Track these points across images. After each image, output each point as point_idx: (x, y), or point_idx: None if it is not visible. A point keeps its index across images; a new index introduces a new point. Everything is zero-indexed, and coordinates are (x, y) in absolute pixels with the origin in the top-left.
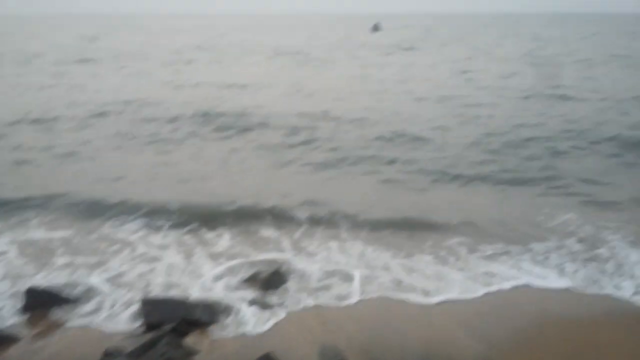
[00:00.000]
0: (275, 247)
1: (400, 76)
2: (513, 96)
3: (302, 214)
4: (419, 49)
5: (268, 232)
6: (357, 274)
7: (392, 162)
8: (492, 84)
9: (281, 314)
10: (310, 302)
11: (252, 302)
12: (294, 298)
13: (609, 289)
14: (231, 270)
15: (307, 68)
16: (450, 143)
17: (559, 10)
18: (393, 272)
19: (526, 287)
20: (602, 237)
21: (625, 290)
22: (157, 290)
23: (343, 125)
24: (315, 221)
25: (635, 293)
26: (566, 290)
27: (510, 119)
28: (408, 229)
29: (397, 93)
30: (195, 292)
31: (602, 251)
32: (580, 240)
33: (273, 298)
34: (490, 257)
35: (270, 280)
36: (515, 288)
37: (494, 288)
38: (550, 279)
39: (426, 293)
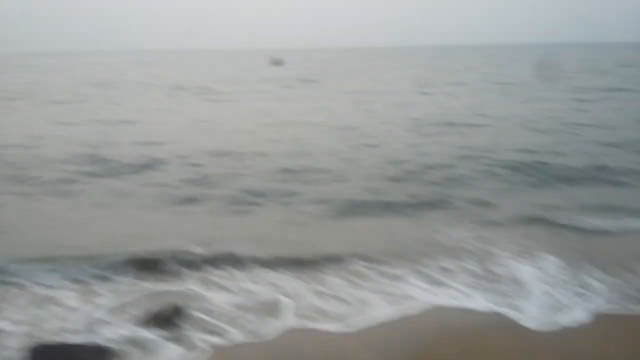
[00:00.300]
0: (176, 285)
1: (303, 109)
2: (409, 125)
3: (203, 252)
4: (320, 82)
5: (166, 273)
6: (268, 306)
7: (295, 195)
8: (390, 114)
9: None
10: (215, 339)
11: (152, 342)
12: (197, 336)
13: (505, 308)
14: (129, 309)
15: (209, 103)
16: (352, 173)
17: (450, 44)
18: (306, 299)
19: (434, 307)
20: (496, 256)
21: (518, 308)
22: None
23: (244, 160)
24: (216, 259)
25: (528, 310)
26: (469, 309)
27: (407, 147)
28: (313, 260)
29: (299, 125)
30: (88, 336)
31: (498, 269)
32: (479, 260)
33: (177, 336)
34: (397, 279)
35: (171, 318)
36: (424, 309)
37: (402, 309)
38: (453, 298)
39: (339, 319)
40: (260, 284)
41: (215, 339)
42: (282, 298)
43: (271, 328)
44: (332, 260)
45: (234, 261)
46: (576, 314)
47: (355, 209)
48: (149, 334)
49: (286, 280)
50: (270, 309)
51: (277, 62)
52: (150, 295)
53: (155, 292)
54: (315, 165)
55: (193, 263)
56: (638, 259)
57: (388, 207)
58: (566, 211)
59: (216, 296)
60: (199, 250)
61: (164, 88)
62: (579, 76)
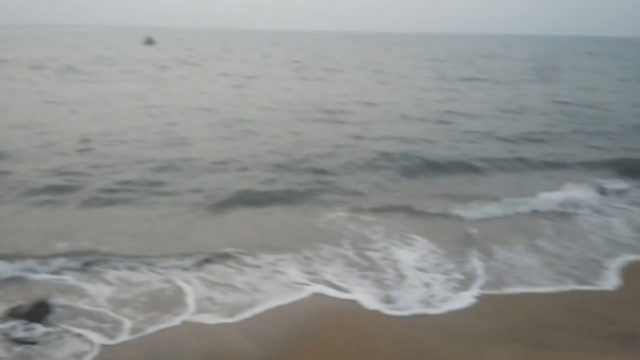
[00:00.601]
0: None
1: (177, 92)
2: (287, 111)
3: (64, 252)
4: (196, 64)
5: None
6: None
7: (169, 186)
8: (268, 98)
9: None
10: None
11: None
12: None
13: (381, 293)
14: None
15: (74, 84)
16: (232, 162)
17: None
18: (189, 292)
19: (313, 295)
20: (373, 243)
21: (395, 295)
22: None
23: (113, 148)
24: (84, 263)
25: (404, 296)
26: (347, 297)
27: (287, 134)
28: (191, 253)
29: (174, 110)
30: None
31: (375, 256)
32: (356, 248)
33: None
34: (276, 268)
35: (35, 313)
36: (303, 297)
37: (282, 298)
38: (331, 286)
39: (221, 310)
40: (136, 278)
41: (91, 335)
42: (161, 291)
43: (150, 323)
44: (212, 253)
45: (107, 256)
46: (454, 298)
47: (233, 199)
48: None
49: (166, 273)
50: (150, 303)
51: (149, 42)
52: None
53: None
54: (191, 154)
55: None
56: (506, 241)
57: (267, 197)
58: (438, 199)
59: (94, 290)
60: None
61: (21, 66)
62: (444, 65)
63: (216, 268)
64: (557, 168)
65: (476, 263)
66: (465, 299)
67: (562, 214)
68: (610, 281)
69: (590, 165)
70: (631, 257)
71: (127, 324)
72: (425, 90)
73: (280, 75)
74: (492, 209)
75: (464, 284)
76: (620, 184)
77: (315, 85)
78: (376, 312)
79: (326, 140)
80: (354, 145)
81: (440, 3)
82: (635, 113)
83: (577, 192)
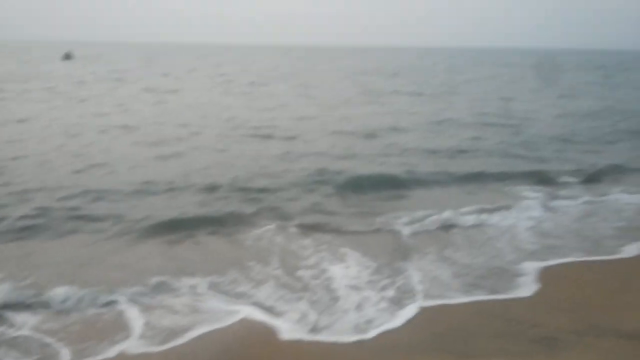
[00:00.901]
0: None
1: (95, 110)
2: (213, 128)
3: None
4: (120, 78)
5: None
6: None
7: (83, 216)
8: (196, 114)
9: None
10: None
11: None
12: None
13: (313, 315)
14: None
15: None
16: (155, 186)
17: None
18: None
19: (245, 321)
20: (304, 262)
21: (327, 317)
22: None
23: (23, 171)
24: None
25: (339, 319)
26: (274, 322)
27: (214, 154)
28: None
29: (91, 130)
30: None
31: (307, 276)
32: (286, 268)
33: None
34: (201, 294)
35: None
36: (231, 322)
37: (211, 324)
38: (260, 308)
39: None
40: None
41: None
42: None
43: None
44: (139, 281)
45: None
46: (385, 316)
47: (157, 225)
48: None
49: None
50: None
51: (67, 56)
52: None
53: None
54: (113, 177)
55: None
56: (431, 254)
57: (193, 220)
58: (367, 215)
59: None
60: None
61: None
62: (370, 79)
63: (139, 297)
64: (477, 180)
65: (406, 277)
66: (397, 317)
67: (478, 226)
68: (528, 287)
69: (508, 176)
70: (545, 263)
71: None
72: (350, 103)
73: (204, 89)
74: (419, 222)
75: (395, 301)
76: (535, 193)
77: (240, 100)
78: (305, 339)
79: (253, 157)
80: (281, 162)
81: (379, 16)
82: (550, 123)
83: (497, 203)
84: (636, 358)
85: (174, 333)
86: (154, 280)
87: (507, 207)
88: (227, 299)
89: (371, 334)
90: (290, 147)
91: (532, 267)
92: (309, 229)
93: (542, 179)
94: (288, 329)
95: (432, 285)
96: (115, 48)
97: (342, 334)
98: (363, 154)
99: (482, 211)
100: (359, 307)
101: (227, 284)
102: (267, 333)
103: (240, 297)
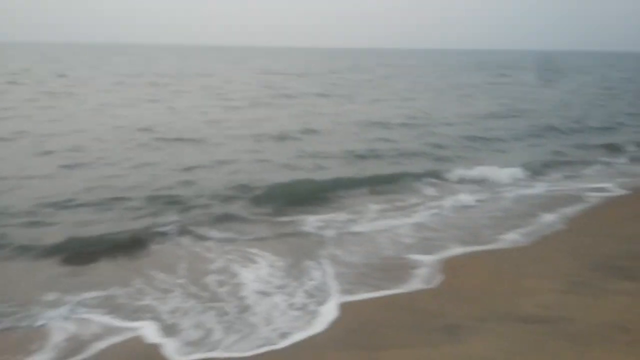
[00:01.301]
0: None
1: None
2: (112, 135)
3: None
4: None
5: None
6: None
7: None
8: (95, 121)
9: None
10: None
11: None
12: None
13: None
14: None
15: None
16: (62, 201)
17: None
18: None
19: (138, 341)
20: (215, 265)
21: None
22: None
23: None
24: None
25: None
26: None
27: (123, 162)
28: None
29: None
30: None
31: (218, 284)
32: (200, 274)
33: None
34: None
35: None
36: (129, 341)
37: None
38: (162, 328)
39: None
40: None
41: None
42: None
43: None
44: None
45: None
46: (297, 321)
47: (60, 243)
48: None
49: None
50: None
51: None
52: None
53: None
54: (13, 193)
55: None
56: (337, 256)
57: (100, 238)
58: (276, 223)
59: None
60: None
61: None
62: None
63: (31, 317)
64: (384, 181)
65: (314, 277)
66: (308, 319)
67: (381, 225)
68: (431, 278)
69: (412, 177)
70: (446, 254)
71: None
72: (259, 104)
73: (103, 92)
74: (326, 225)
75: (305, 304)
76: (433, 192)
77: (142, 104)
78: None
79: (155, 167)
80: (187, 171)
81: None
82: (444, 122)
83: (399, 203)
84: (532, 340)
85: (63, 353)
86: (50, 297)
87: (408, 207)
88: (125, 314)
89: (282, 342)
90: (197, 152)
91: (429, 259)
92: (218, 236)
93: (439, 177)
94: (180, 348)
95: (341, 284)
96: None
97: (249, 346)
98: (273, 158)
99: (384, 211)
100: (268, 314)
101: (130, 297)
102: (156, 355)
103: (141, 311)
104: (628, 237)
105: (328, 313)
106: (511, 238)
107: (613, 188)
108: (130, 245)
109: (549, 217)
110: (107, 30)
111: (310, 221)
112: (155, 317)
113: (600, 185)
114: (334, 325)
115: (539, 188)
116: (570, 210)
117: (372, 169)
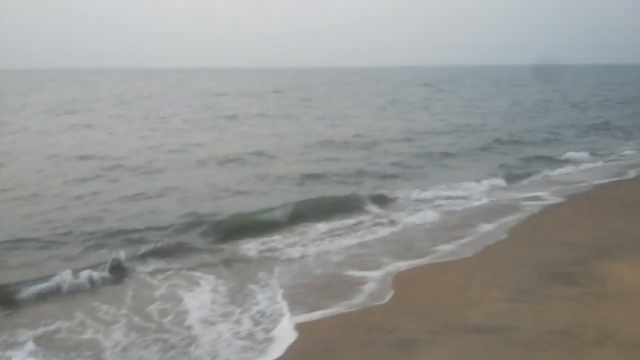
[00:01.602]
0: None
1: None
2: (44, 163)
3: None
4: None
5: None
6: None
7: None
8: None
9: None
10: None
11: None
12: None
13: None
14: None
15: None
16: None
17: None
18: None
19: None
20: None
21: None
22: None
23: None
24: None
25: None
26: None
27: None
28: None
29: None
30: None
31: (162, 315)
32: (144, 305)
33: None
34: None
35: None
36: None
37: None
38: None
39: None
40: None
41: None
42: None
43: None
44: None
45: None
46: (257, 344)
47: None
48: None
49: None
50: None
51: None
52: None
53: None
54: None
55: None
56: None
57: None
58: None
59: None
60: None
61: None
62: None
63: None
64: (331, 203)
65: (259, 302)
66: (261, 347)
67: (326, 245)
68: (382, 294)
69: (356, 199)
70: (393, 269)
71: None
72: (201, 128)
73: (33, 119)
74: (262, 250)
75: (256, 331)
76: (377, 210)
77: (75, 131)
78: None
79: (105, 197)
80: (134, 201)
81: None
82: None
83: (345, 222)
84: (484, 349)
85: None
86: None
87: (354, 226)
88: (63, 355)
89: None
90: (139, 180)
91: (376, 275)
92: (161, 267)
93: (384, 196)
94: None
95: (290, 305)
96: None
97: None
98: (219, 183)
99: (331, 231)
100: (215, 345)
101: (70, 332)
102: None
103: (82, 347)
104: (567, 243)
105: (283, 337)
106: (454, 250)
107: (548, 197)
108: (73, 282)
109: (488, 227)
110: (43, 56)
111: (255, 246)
112: (96, 356)
113: (536, 194)
114: (291, 349)
115: (483, 200)
116: (510, 219)
117: (320, 190)
